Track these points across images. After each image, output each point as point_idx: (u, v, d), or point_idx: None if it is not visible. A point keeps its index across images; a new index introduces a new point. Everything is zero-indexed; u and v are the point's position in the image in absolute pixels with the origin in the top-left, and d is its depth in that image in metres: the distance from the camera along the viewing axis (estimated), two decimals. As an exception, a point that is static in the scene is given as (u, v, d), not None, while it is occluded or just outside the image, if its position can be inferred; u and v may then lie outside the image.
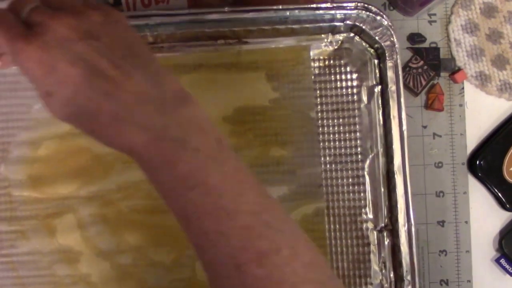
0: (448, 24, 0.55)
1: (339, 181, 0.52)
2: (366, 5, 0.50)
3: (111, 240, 0.52)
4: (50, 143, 0.52)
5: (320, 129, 0.53)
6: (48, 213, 0.52)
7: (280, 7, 0.50)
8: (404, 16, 0.55)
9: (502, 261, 0.54)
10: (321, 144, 0.53)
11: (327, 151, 0.53)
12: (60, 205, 0.52)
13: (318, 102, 0.53)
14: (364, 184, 0.52)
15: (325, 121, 0.53)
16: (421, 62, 0.54)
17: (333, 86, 0.53)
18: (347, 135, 0.53)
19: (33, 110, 0.52)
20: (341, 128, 0.53)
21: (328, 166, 0.52)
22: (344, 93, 0.53)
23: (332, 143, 0.53)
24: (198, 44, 0.52)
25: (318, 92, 0.53)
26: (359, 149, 0.53)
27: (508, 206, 0.54)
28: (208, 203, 0.33)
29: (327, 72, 0.53)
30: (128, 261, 0.52)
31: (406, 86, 0.54)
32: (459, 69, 0.55)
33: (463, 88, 0.55)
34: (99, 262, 0.52)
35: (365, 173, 0.52)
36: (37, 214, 0.52)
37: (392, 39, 0.51)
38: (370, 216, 0.52)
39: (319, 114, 0.53)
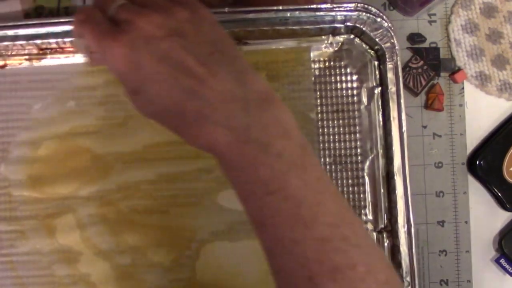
0: (448, 24, 0.55)
1: (339, 181, 0.52)
2: (366, 6, 0.50)
3: (110, 240, 0.52)
4: (50, 143, 0.52)
5: (320, 130, 0.52)
6: (47, 213, 0.52)
7: (281, 8, 0.50)
8: (404, 16, 0.55)
9: (502, 261, 0.54)
10: (321, 145, 0.52)
11: (326, 152, 0.52)
12: (60, 205, 0.52)
13: (318, 103, 0.53)
14: (363, 185, 0.52)
15: (325, 122, 0.53)
16: (421, 62, 0.54)
17: (333, 88, 0.53)
18: (347, 136, 0.52)
19: (33, 110, 0.52)
20: (341, 129, 0.53)
21: (328, 167, 0.52)
22: (344, 94, 0.53)
23: (331, 144, 0.52)
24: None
25: (318, 93, 0.53)
26: (358, 150, 0.52)
27: (508, 206, 0.54)
28: (286, 210, 0.33)
29: (327, 73, 0.53)
30: (128, 261, 0.52)
31: (406, 86, 0.54)
32: (459, 69, 0.55)
33: (463, 88, 0.55)
34: (99, 262, 0.52)
35: (365, 174, 0.52)
36: (36, 214, 0.52)
37: (392, 40, 0.51)
38: (370, 217, 0.52)
39: (319, 115, 0.53)
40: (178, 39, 0.33)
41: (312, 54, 0.53)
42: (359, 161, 0.52)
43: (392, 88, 0.51)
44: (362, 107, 0.53)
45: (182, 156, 0.52)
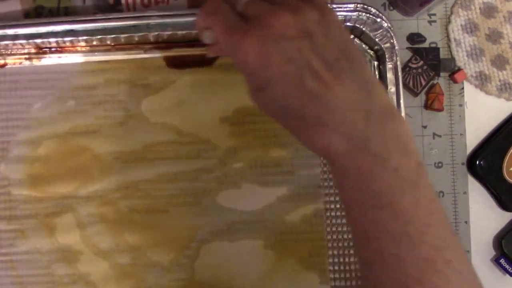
0: (448, 24, 0.55)
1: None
2: (365, 6, 0.50)
3: (110, 240, 0.52)
4: (50, 142, 0.52)
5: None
6: (47, 212, 0.52)
7: None
8: (404, 16, 0.55)
9: (502, 261, 0.54)
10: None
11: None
12: (60, 204, 0.52)
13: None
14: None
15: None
16: (421, 62, 0.54)
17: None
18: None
19: (33, 109, 0.52)
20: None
21: (327, 167, 0.52)
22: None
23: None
24: (198, 44, 0.52)
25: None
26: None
27: (508, 206, 0.54)
28: (394, 226, 0.32)
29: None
30: (127, 261, 0.52)
31: (406, 86, 0.53)
32: (459, 69, 0.55)
33: (463, 88, 0.55)
34: (98, 262, 0.52)
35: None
36: (36, 213, 0.52)
37: (392, 41, 0.51)
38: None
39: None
40: (308, 40, 0.33)
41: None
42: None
43: (391, 88, 0.51)
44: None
45: (182, 156, 0.52)
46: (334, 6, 0.50)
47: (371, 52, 0.53)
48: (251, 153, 0.52)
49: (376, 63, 0.52)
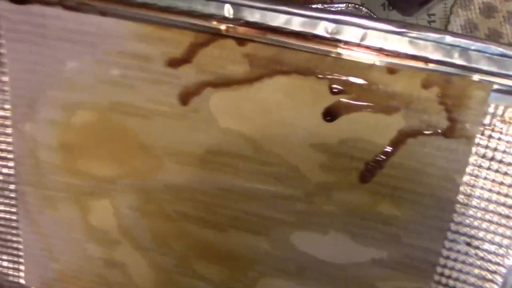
0: (447, 24, 0.55)
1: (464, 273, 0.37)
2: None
3: (152, 240, 0.41)
4: (86, 114, 0.38)
5: (462, 199, 0.35)
6: (80, 190, 0.41)
7: None
8: (403, 16, 0.54)
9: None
10: (456, 218, 0.35)
11: (461, 228, 0.36)
12: (95, 186, 0.41)
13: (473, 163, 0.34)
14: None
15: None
16: None
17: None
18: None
19: (66, 68, 0.37)
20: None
21: (457, 247, 0.36)
22: None
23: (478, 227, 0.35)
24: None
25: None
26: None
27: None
28: None
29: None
30: (170, 266, 0.42)
31: None
32: None
33: None
34: (137, 256, 0.42)
35: None
36: (67, 188, 0.41)
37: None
38: None
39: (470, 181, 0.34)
40: None
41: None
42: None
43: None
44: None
45: (257, 174, 0.37)
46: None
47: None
48: (352, 197, 0.37)
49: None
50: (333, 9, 0.47)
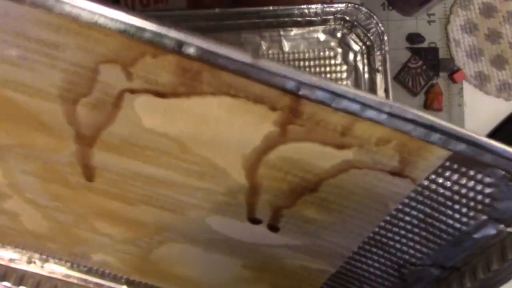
0: (447, 24, 0.55)
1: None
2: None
3: (49, 199, 0.38)
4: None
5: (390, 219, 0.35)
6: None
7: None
8: (403, 16, 0.54)
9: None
10: (379, 230, 0.36)
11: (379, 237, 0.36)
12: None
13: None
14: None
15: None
16: (420, 62, 0.54)
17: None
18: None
19: None
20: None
21: (369, 248, 0.37)
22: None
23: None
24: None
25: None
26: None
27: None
28: None
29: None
30: (68, 221, 0.39)
31: (405, 86, 0.54)
32: (458, 69, 0.55)
33: (462, 88, 0.55)
34: (30, 209, 0.39)
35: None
36: None
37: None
38: None
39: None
40: None
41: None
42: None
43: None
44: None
45: (179, 169, 0.33)
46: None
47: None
48: (279, 203, 0.35)
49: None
50: (333, 9, 0.49)
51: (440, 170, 0.31)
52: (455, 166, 0.30)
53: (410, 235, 0.36)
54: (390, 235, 0.36)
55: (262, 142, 0.31)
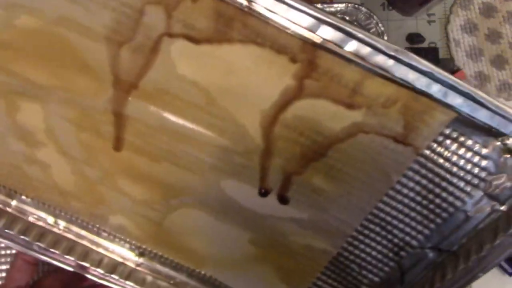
0: (447, 24, 0.55)
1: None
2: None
3: (80, 150, 0.40)
4: (29, 20, 0.35)
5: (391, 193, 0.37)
6: (10, 88, 0.38)
7: None
8: (403, 16, 0.54)
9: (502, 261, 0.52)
10: (380, 205, 0.38)
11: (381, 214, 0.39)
12: (28, 89, 0.38)
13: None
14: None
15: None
16: None
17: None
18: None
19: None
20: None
21: (371, 226, 0.39)
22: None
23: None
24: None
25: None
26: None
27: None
28: None
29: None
30: (94, 177, 0.42)
31: None
32: (458, 69, 0.55)
33: None
34: (61, 162, 0.41)
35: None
36: (-3, 81, 0.38)
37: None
38: None
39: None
40: None
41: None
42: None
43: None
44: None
45: (203, 122, 0.37)
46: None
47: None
48: (289, 167, 0.38)
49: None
50: (333, 9, 0.48)
51: (440, 139, 0.34)
52: (455, 134, 0.33)
53: (411, 213, 0.38)
54: (392, 212, 0.38)
55: (280, 96, 0.34)
